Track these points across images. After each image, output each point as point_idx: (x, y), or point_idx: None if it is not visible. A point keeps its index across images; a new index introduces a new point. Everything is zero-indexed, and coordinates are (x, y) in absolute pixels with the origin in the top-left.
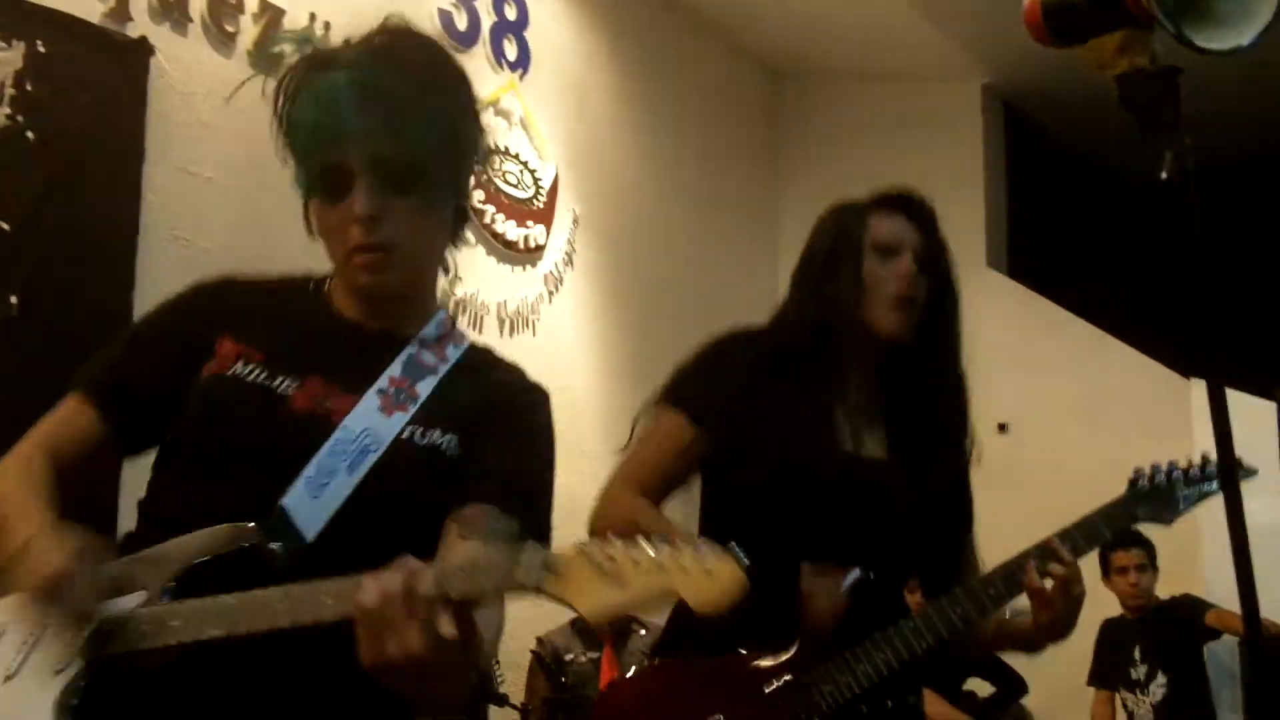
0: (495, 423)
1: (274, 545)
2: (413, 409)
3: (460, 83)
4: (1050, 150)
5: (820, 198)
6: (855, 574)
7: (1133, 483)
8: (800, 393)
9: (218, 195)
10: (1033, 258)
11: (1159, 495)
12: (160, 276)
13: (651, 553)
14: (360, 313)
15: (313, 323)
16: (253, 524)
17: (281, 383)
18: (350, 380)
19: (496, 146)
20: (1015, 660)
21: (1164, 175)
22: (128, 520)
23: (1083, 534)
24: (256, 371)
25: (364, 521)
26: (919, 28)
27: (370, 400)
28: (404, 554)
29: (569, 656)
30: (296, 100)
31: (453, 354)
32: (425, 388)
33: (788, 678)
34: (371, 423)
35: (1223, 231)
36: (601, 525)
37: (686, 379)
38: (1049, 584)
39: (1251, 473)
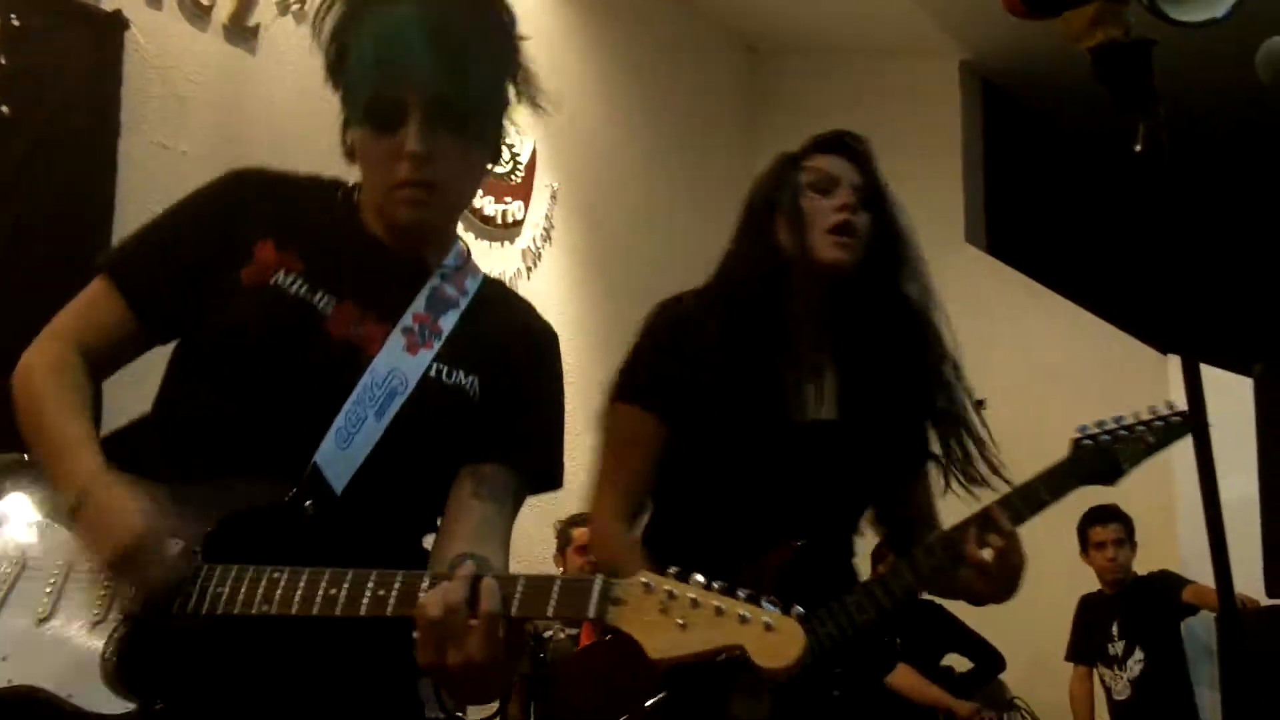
0: (516, 369)
1: (307, 503)
2: (437, 345)
3: (514, 23)
4: (1028, 126)
5: None
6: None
7: (1075, 443)
8: (747, 358)
9: (192, 169)
10: (1011, 233)
11: (1101, 456)
12: None
13: (714, 601)
14: (390, 234)
15: (346, 237)
16: (291, 487)
17: (321, 299)
18: (380, 306)
19: None
20: (993, 636)
21: (1138, 147)
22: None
23: (1023, 500)
24: (297, 284)
25: (392, 466)
26: (897, 3)
27: (396, 339)
28: (431, 501)
29: (548, 633)
30: (355, 26)
31: (471, 286)
32: (448, 322)
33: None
34: (398, 363)
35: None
36: (602, 566)
37: (635, 369)
38: (988, 554)
39: (1186, 427)
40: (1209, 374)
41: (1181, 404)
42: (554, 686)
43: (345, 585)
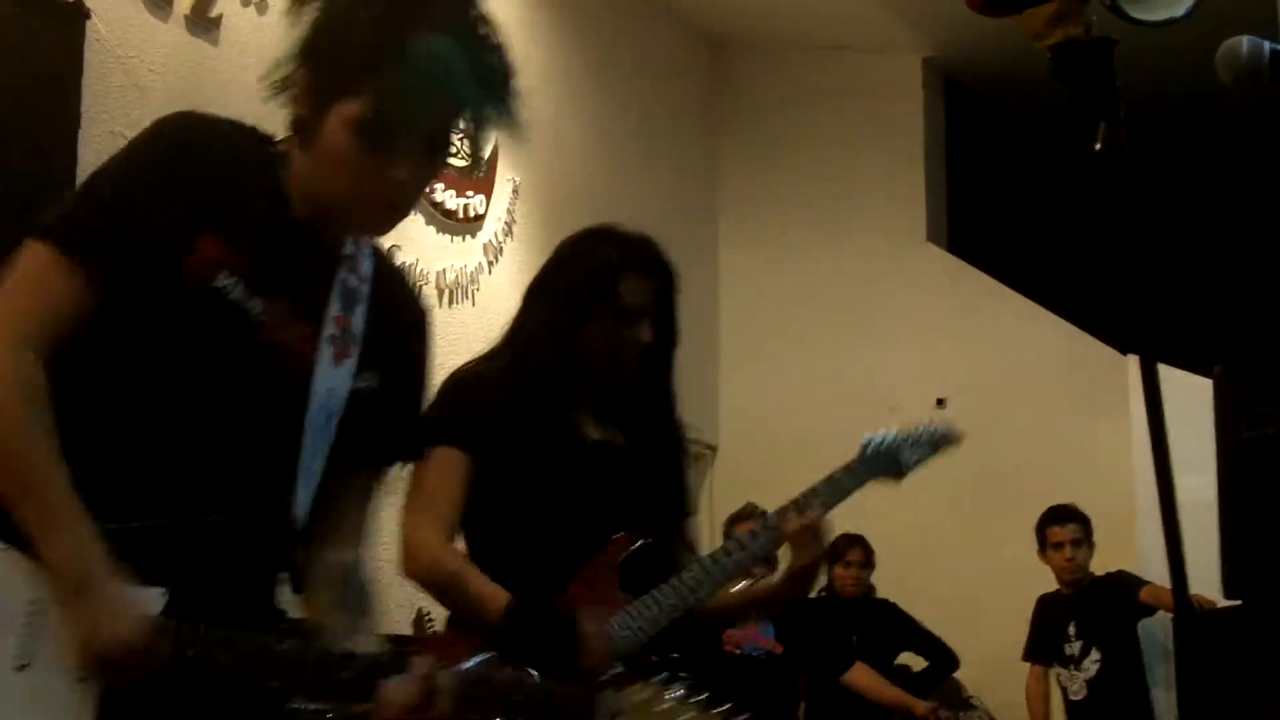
0: (410, 364)
1: (282, 542)
2: (355, 351)
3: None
4: (990, 124)
5: (760, 169)
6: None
7: (863, 448)
8: (546, 406)
9: None
10: (973, 232)
11: (886, 456)
12: None
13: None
14: (311, 214)
15: (277, 223)
16: (265, 527)
17: (255, 305)
18: (302, 303)
19: None
20: (951, 635)
21: (1098, 146)
22: None
23: (827, 490)
24: (236, 288)
25: (333, 483)
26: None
27: (325, 354)
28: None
29: None
30: (397, 44)
31: (367, 269)
32: (358, 321)
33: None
34: (331, 380)
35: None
36: (420, 572)
37: (442, 418)
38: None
39: (950, 441)
40: (1168, 374)
41: (1140, 405)
42: None
43: (312, 663)
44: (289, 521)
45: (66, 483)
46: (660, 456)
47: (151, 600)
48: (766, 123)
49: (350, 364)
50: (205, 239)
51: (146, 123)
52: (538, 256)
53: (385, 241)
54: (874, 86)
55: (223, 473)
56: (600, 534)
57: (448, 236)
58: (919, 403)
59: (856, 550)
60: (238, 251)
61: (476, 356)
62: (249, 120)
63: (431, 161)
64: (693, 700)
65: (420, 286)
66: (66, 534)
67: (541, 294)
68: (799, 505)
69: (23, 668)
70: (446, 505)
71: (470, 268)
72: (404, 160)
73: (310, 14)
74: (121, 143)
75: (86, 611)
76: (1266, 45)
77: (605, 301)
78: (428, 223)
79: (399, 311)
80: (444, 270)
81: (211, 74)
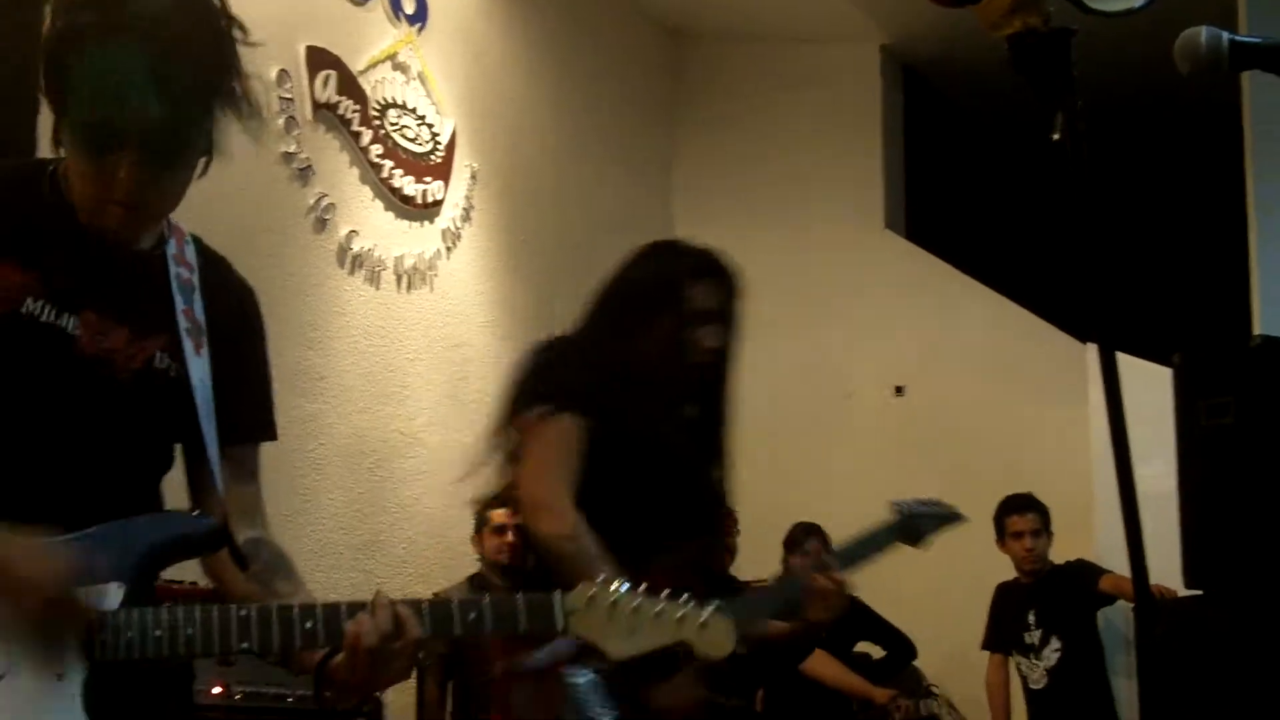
0: (247, 349)
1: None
2: (205, 340)
3: (233, 40)
4: (948, 113)
5: (717, 156)
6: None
7: (898, 512)
8: (655, 388)
9: None
10: (931, 220)
11: (910, 523)
12: None
13: (655, 607)
14: (99, 220)
15: (70, 239)
16: (198, 513)
17: (66, 320)
18: (117, 311)
19: (394, 100)
20: (910, 625)
21: (1056, 136)
22: None
23: (847, 554)
24: (44, 309)
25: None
26: None
27: (188, 345)
28: None
29: None
30: (78, 51)
31: (191, 256)
32: (199, 309)
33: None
34: (200, 370)
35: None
36: (561, 535)
37: (553, 383)
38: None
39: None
40: (1127, 363)
41: (1098, 394)
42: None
43: (274, 621)
44: (210, 502)
45: None
46: (721, 454)
47: (110, 594)
48: (724, 110)
49: (206, 353)
50: (3, 268)
51: None
52: (496, 242)
53: (343, 227)
54: (831, 75)
55: (89, 468)
56: (688, 519)
57: (405, 222)
58: (877, 390)
59: (813, 540)
60: (33, 275)
61: (556, 335)
62: None
63: (154, 158)
64: (639, 591)
65: (248, 289)
66: None
67: (611, 299)
68: (826, 564)
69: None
70: (571, 472)
71: (428, 253)
72: (122, 164)
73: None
74: None
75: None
76: (1225, 35)
77: (674, 305)
78: (386, 208)
79: (225, 296)
80: (402, 256)
81: None
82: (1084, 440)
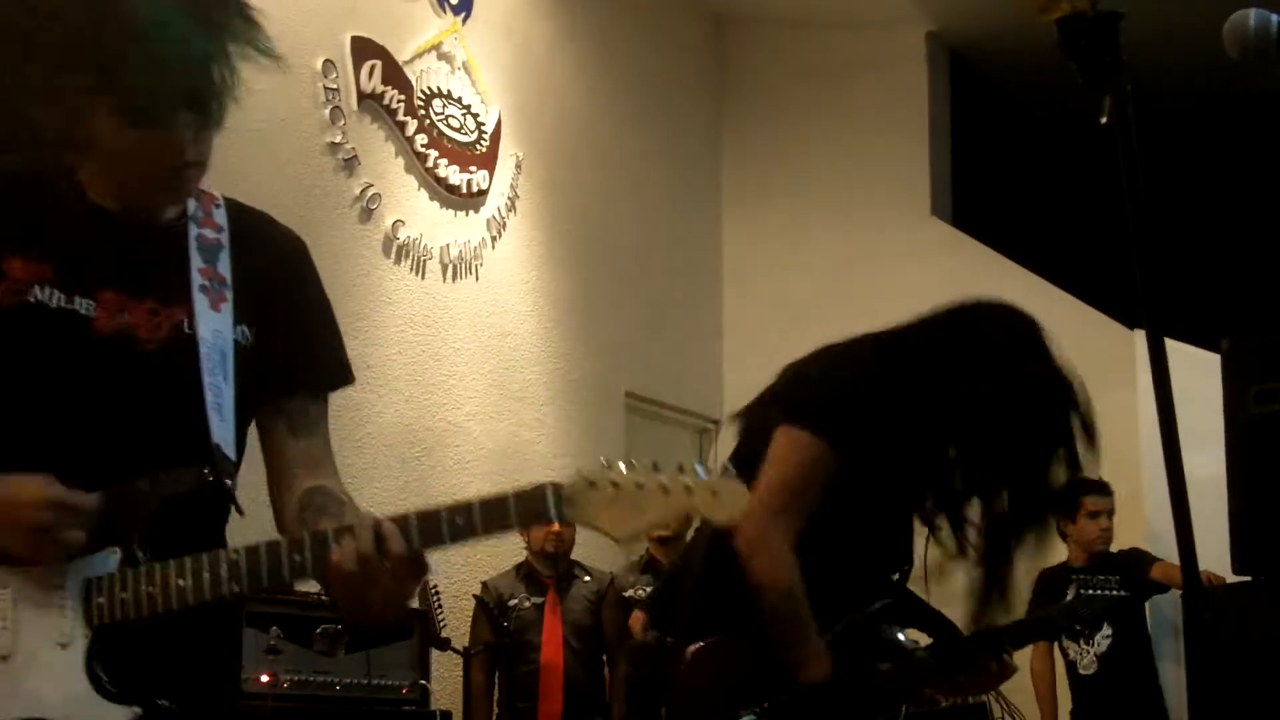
0: (288, 301)
1: (227, 481)
2: (229, 295)
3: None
4: (994, 98)
5: (764, 143)
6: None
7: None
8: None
9: None
10: (977, 206)
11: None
12: None
13: (657, 484)
14: (119, 202)
15: (84, 224)
16: (198, 467)
17: (80, 303)
18: (139, 285)
19: (439, 90)
20: (951, 612)
21: (1104, 120)
22: None
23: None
24: (54, 294)
25: (247, 420)
26: None
27: (200, 301)
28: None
29: (512, 602)
30: (117, 31)
31: (221, 218)
32: (225, 268)
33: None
34: (214, 324)
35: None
36: (775, 590)
37: (822, 399)
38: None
39: (1121, 598)
40: (1175, 349)
41: (1147, 380)
42: (671, 690)
43: (263, 559)
44: (211, 454)
45: None
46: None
47: (108, 560)
48: (771, 97)
49: (228, 309)
50: (11, 262)
51: None
52: (541, 231)
53: (388, 216)
54: (878, 61)
55: (125, 443)
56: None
57: (451, 211)
58: None
59: None
60: (44, 264)
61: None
62: None
63: (205, 113)
64: (640, 465)
65: (294, 238)
66: None
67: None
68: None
69: (7, 657)
70: (800, 501)
71: (474, 242)
72: (180, 128)
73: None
74: None
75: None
76: (1274, 18)
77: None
78: (431, 198)
79: (264, 254)
80: (447, 245)
81: None
82: (1132, 427)
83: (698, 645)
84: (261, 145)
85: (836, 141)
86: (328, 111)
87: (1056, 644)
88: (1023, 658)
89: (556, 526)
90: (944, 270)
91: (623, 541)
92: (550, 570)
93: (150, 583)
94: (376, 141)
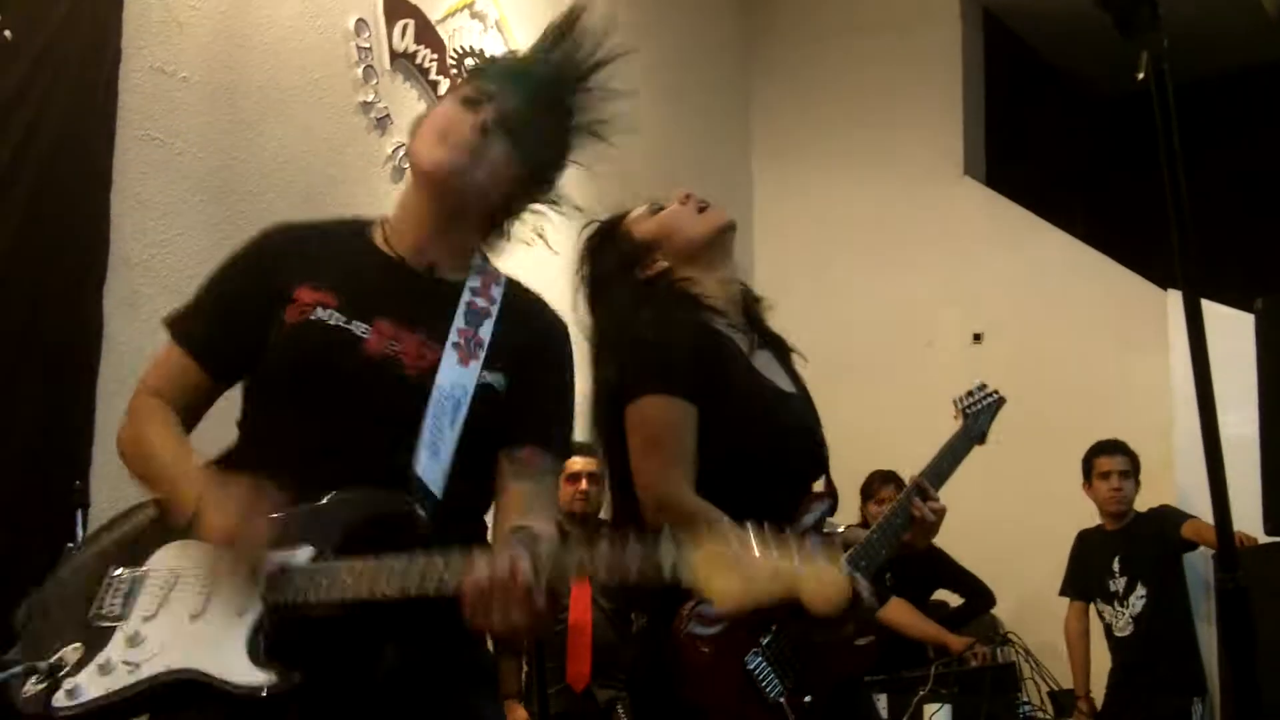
0: (541, 367)
1: (419, 510)
2: (482, 354)
3: (599, 95)
4: (1029, 56)
5: (796, 101)
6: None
7: (963, 413)
8: (730, 347)
9: (193, 95)
10: (1010, 166)
11: (973, 427)
12: (136, 176)
13: (770, 562)
14: (413, 252)
15: (370, 265)
16: (402, 493)
17: (358, 325)
18: (412, 319)
19: (471, 49)
20: (986, 572)
21: (1140, 76)
22: None
23: (936, 474)
24: (334, 315)
25: (469, 466)
26: None
27: (450, 356)
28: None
29: None
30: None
31: (497, 294)
32: (486, 332)
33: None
34: (456, 376)
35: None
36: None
37: (660, 364)
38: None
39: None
40: (1209, 310)
41: (1179, 340)
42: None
43: (418, 570)
44: (409, 484)
45: (179, 454)
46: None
47: (300, 554)
48: (802, 55)
49: (476, 365)
50: (300, 289)
51: (185, 57)
52: (571, 190)
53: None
54: (910, 18)
55: (349, 454)
56: (797, 486)
57: None
58: (956, 337)
59: (890, 487)
60: (328, 292)
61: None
62: (286, 56)
63: (507, 134)
64: (757, 539)
65: (562, 324)
66: (182, 484)
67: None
68: (923, 491)
69: (196, 616)
70: (687, 460)
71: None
72: (484, 111)
73: None
74: (160, 78)
75: (203, 519)
76: None
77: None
78: None
79: (529, 324)
80: None
81: (250, 9)
82: (1164, 387)
83: (684, 612)
84: (294, 105)
85: (869, 101)
86: (360, 71)
87: (1093, 605)
88: (1055, 618)
89: (584, 485)
90: (977, 230)
91: (723, 610)
92: (579, 530)
93: (325, 575)
94: (409, 101)
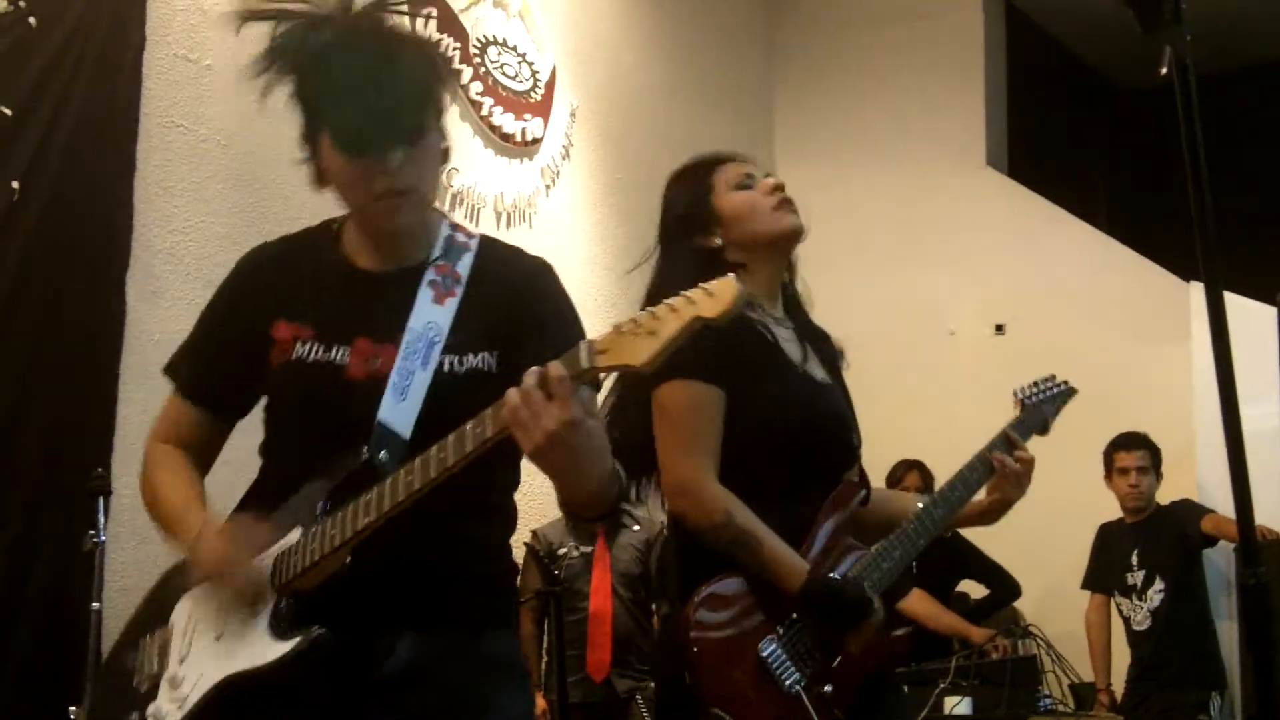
0: (526, 322)
1: (381, 456)
2: (459, 290)
3: (428, 47)
4: (1050, 49)
5: (818, 91)
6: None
7: (1021, 403)
8: (764, 337)
9: (217, 82)
10: (1032, 157)
11: (1035, 416)
12: (159, 163)
13: (666, 307)
14: (375, 259)
15: (339, 282)
16: (359, 445)
17: (336, 352)
18: (390, 329)
19: (494, 38)
20: (1008, 564)
21: (1163, 70)
22: None
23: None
24: (314, 348)
25: (444, 409)
26: None
27: (424, 294)
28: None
29: (562, 551)
30: (318, 67)
31: (467, 259)
32: (465, 267)
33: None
34: (430, 315)
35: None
36: (712, 527)
37: (688, 348)
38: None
39: (1071, 391)
40: (1231, 302)
41: (1201, 332)
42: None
43: (448, 445)
44: (384, 434)
45: (183, 497)
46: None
47: (293, 536)
48: (824, 44)
49: (453, 302)
50: (278, 326)
51: (209, 45)
52: (595, 180)
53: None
54: (933, 8)
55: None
56: (828, 475)
57: (505, 160)
58: (978, 328)
59: (914, 475)
60: (303, 323)
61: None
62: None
63: (415, 142)
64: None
65: (538, 265)
66: (183, 525)
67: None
68: (1008, 443)
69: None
70: (713, 444)
71: (527, 191)
72: (384, 155)
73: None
74: (185, 65)
75: (199, 552)
76: None
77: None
78: (485, 146)
79: (502, 284)
80: (501, 193)
81: None
82: (1186, 379)
83: (695, 598)
84: None
85: (891, 91)
86: None
87: (1111, 599)
88: (1076, 610)
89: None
90: (998, 221)
91: (650, 366)
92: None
93: (312, 540)
94: None
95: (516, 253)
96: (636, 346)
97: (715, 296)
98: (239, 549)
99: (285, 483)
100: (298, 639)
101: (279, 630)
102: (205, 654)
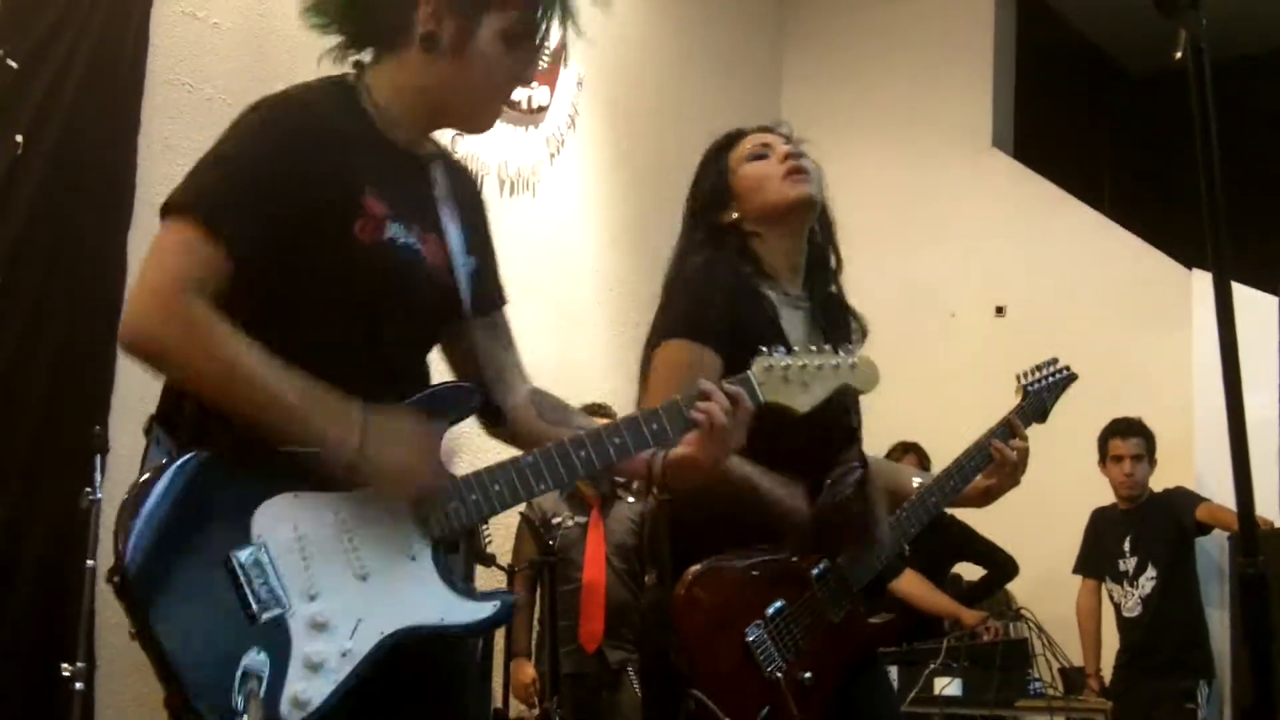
0: (485, 234)
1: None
2: (454, 192)
3: None
4: (1060, 32)
5: (825, 70)
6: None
7: (1024, 390)
8: (768, 309)
9: (224, 41)
10: (1039, 140)
11: (1036, 403)
12: (164, 121)
13: (815, 361)
14: (405, 133)
15: (392, 162)
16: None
17: (415, 241)
18: (433, 220)
19: None
20: (1003, 548)
21: (1178, 54)
22: None
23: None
24: (403, 234)
25: (482, 307)
26: None
27: (442, 187)
28: None
29: (556, 520)
30: None
31: (443, 169)
32: (457, 209)
33: (825, 563)
34: (453, 212)
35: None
36: (723, 494)
37: (689, 312)
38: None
39: (1072, 377)
40: (1234, 291)
41: (1202, 320)
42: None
43: (563, 458)
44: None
45: (303, 382)
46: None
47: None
48: (832, 24)
49: (455, 205)
50: (368, 199)
51: (217, 4)
52: (600, 150)
53: (446, 130)
54: None
55: (390, 359)
56: (825, 453)
57: (510, 128)
58: (979, 310)
59: (911, 457)
60: (385, 200)
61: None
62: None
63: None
64: (791, 353)
65: (481, 176)
66: (318, 417)
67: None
68: (1010, 430)
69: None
70: None
71: (532, 160)
72: (533, 59)
73: None
74: (192, 22)
75: (377, 463)
76: None
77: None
78: None
79: (471, 196)
80: (505, 161)
81: None
82: (1186, 367)
83: (687, 578)
84: (323, 60)
85: (898, 71)
86: None
87: (1103, 584)
88: (1068, 595)
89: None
90: (1003, 203)
91: (802, 412)
92: (594, 489)
93: (472, 490)
94: None
95: (463, 163)
96: (793, 395)
97: (863, 369)
98: (429, 456)
99: (307, 360)
100: (496, 602)
101: (458, 588)
102: (354, 596)
